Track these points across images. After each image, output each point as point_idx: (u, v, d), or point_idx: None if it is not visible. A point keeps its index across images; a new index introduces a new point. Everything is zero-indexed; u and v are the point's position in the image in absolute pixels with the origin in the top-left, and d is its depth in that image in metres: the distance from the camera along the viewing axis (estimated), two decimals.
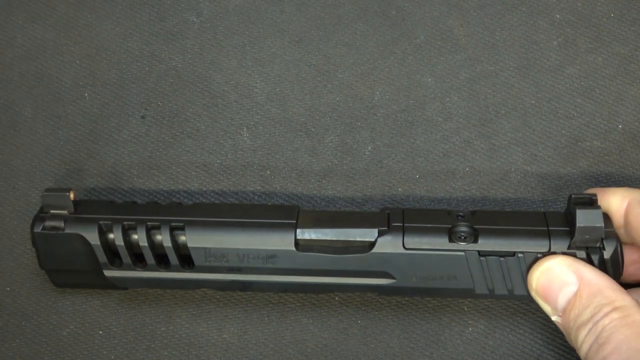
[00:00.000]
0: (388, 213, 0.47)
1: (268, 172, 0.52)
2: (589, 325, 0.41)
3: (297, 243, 0.46)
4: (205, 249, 0.46)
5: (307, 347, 0.50)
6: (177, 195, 0.52)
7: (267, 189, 0.52)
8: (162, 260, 0.47)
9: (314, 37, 0.54)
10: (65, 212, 0.47)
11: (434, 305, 0.50)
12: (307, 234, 0.46)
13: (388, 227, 0.46)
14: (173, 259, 0.46)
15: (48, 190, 0.47)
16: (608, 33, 0.53)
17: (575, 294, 0.42)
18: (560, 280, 0.43)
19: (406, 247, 0.45)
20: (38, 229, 0.47)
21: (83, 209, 0.47)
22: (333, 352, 0.50)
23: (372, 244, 0.46)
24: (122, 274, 0.47)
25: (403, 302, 0.50)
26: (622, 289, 0.42)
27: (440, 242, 0.45)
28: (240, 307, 0.51)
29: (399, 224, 0.46)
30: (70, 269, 0.48)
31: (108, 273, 0.47)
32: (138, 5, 0.55)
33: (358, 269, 0.46)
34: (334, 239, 0.46)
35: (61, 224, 0.47)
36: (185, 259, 0.47)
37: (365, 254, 0.46)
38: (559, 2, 0.54)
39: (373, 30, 0.54)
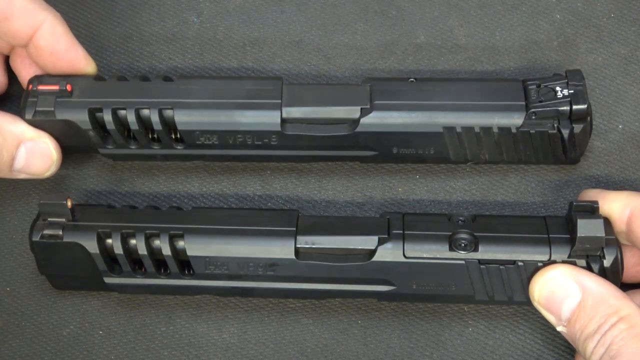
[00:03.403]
0: (388, 219, 0.47)
1: (268, 172, 0.52)
2: (597, 337, 0.41)
3: (297, 251, 0.46)
4: (204, 257, 0.46)
5: (307, 347, 0.50)
6: (178, 196, 0.52)
7: (267, 189, 0.52)
8: (161, 267, 0.47)
9: (314, 37, 0.54)
10: (63, 219, 0.47)
11: (434, 306, 0.50)
12: (307, 242, 0.46)
13: (388, 234, 0.46)
14: (173, 266, 0.46)
15: (45, 198, 0.46)
16: (608, 33, 0.53)
17: (579, 304, 0.42)
18: (563, 291, 0.43)
19: (406, 255, 0.45)
20: (36, 238, 0.46)
21: (81, 216, 0.47)
22: (333, 353, 0.50)
23: (372, 252, 0.45)
24: (121, 281, 0.47)
25: (403, 303, 0.50)
26: (624, 295, 0.42)
27: (440, 251, 0.45)
28: (240, 308, 0.51)
29: (399, 232, 0.46)
30: (69, 275, 0.48)
31: (108, 280, 0.47)
32: (138, 5, 0.55)
33: (358, 276, 0.46)
34: (334, 247, 0.46)
35: (59, 232, 0.46)
36: (185, 265, 0.47)
37: (365, 263, 0.46)
38: (559, 2, 0.54)
39: (373, 30, 0.54)
